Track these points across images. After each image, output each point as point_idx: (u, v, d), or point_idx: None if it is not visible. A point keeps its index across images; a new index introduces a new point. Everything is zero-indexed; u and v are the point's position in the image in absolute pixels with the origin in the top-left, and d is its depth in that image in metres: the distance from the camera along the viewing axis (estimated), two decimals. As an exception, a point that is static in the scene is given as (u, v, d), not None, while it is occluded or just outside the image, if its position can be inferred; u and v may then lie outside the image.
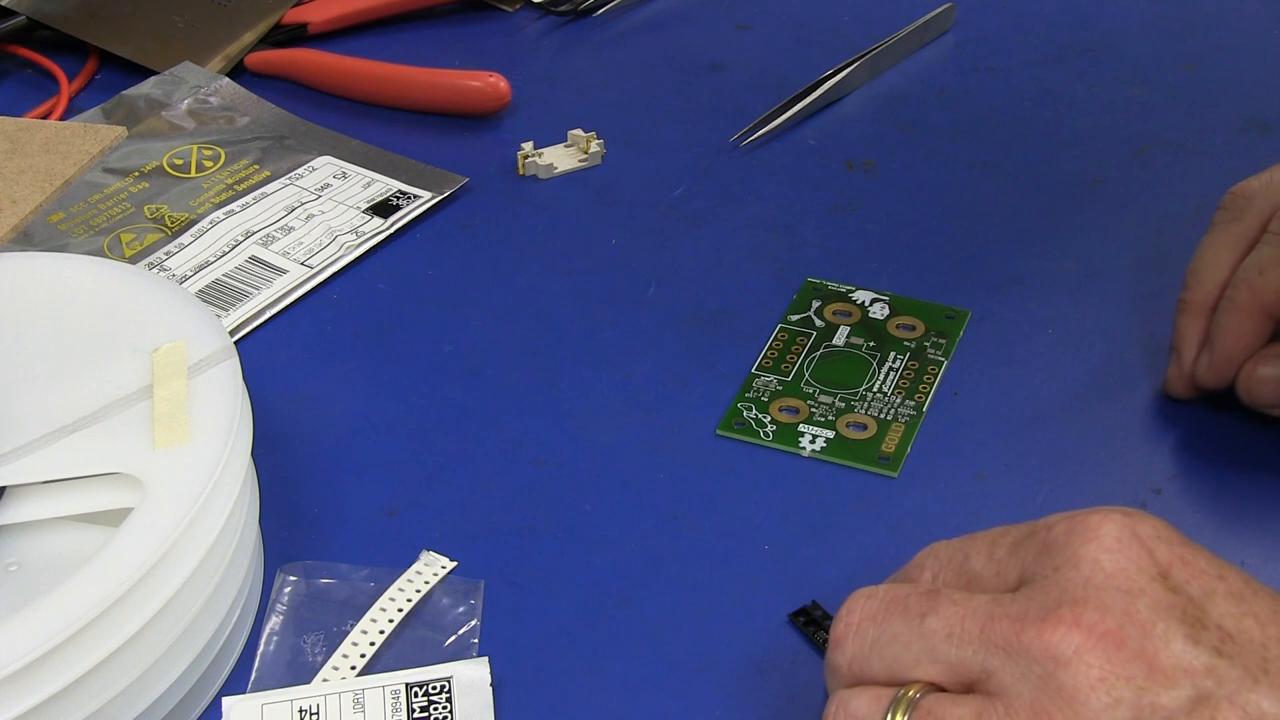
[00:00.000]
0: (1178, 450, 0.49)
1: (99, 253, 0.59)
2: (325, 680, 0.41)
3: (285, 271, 0.58)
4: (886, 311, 0.55)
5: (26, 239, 0.60)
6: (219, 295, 0.57)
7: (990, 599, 0.34)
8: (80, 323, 0.46)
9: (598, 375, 0.53)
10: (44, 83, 0.74)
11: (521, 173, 0.64)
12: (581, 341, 0.55)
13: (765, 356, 0.53)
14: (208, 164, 0.65)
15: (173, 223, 0.61)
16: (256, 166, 0.65)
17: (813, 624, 0.42)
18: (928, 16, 0.73)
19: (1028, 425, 0.50)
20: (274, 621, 0.43)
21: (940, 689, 0.34)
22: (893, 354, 0.53)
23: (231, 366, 0.44)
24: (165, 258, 0.59)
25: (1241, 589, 0.33)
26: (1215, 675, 0.31)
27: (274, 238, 0.60)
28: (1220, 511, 0.47)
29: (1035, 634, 0.32)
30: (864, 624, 0.35)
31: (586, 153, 0.65)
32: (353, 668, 0.41)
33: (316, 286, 0.58)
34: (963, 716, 0.32)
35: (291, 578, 0.44)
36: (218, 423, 0.42)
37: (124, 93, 0.70)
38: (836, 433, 0.49)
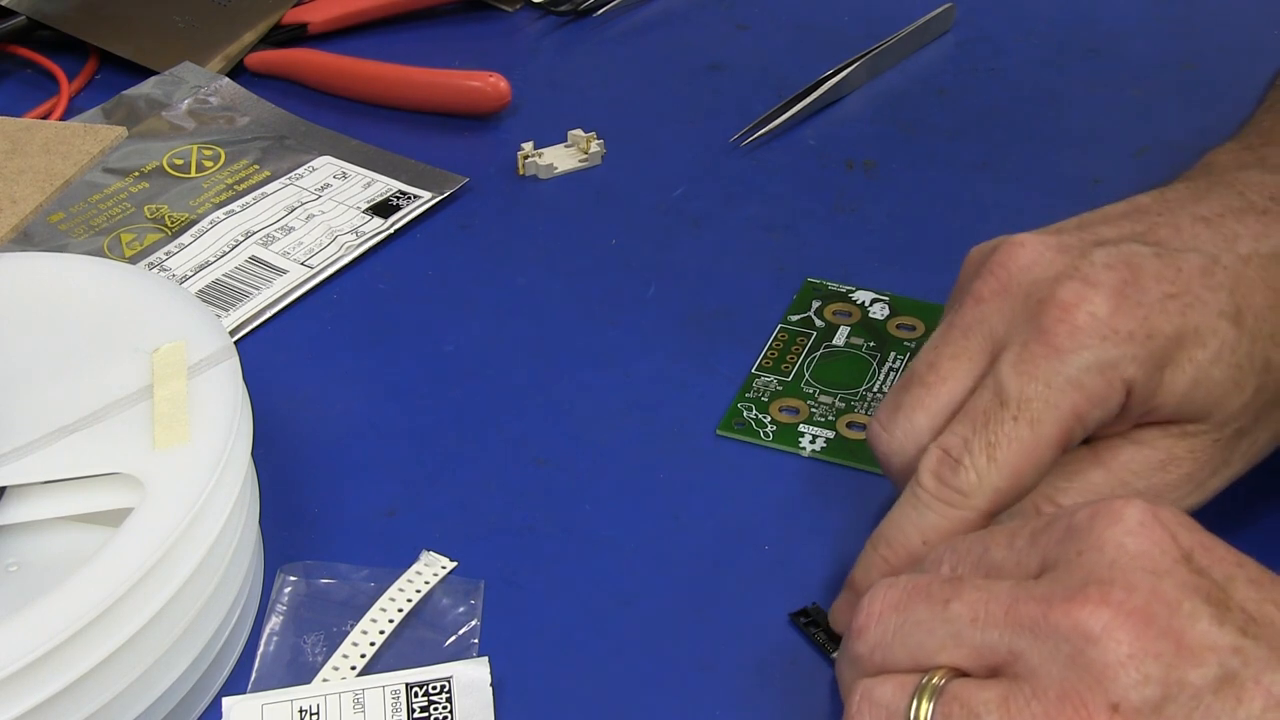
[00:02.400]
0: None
1: (99, 253, 0.59)
2: (325, 680, 0.41)
3: (285, 271, 0.58)
4: (886, 311, 0.55)
5: (26, 239, 0.60)
6: (219, 295, 0.57)
7: (1014, 583, 0.34)
8: (80, 323, 0.46)
9: (598, 375, 0.53)
10: (44, 83, 0.74)
11: (521, 173, 0.64)
12: (581, 341, 0.55)
13: (765, 356, 0.53)
14: (208, 164, 0.65)
15: (173, 223, 0.61)
16: (256, 166, 0.65)
17: (813, 624, 0.42)
18: (928, 16, 0.73)
19: (1028, 425, 0.50)
20: (274, 621, 0.43)
21: (965, 675, 0.33)
22: (893, 354, 0.53)
23: (231, 366, 0.44)
24: (165, 258, 0.59)
25: (1260, 576, 0.33)
26: (1241, 655, 0.31)
27: (274, 238, 0.60)
28: (1220, 511, 0.47)
29: (1063, 612, 0.32)
30: (886, 612, 0.35)
31: (586, 153, 0.65)
32: (353, 668, 0.41)
33: (316, 286, 0.58)
34: (989, 700, 0.32)
35: (291, 578, 0.44)
36: (218, 423, 0.42)
37: (124, 93, 0.70)
38: (836, 433, 0.49)
